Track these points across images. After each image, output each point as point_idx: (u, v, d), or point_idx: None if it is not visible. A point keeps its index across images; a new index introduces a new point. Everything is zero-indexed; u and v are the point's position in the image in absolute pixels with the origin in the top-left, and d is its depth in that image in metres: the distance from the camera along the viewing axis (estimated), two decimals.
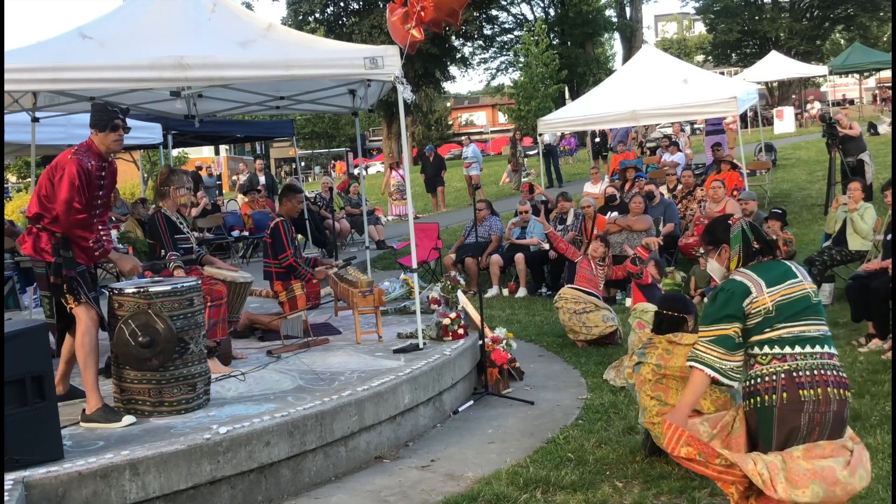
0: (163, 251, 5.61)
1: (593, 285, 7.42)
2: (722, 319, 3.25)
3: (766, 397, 3.15)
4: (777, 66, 26.65)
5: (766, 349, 3.20)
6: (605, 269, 7.70)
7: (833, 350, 3.22)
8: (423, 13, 5.93)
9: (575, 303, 7.09)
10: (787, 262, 3.36)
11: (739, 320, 3.23)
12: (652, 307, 6.40)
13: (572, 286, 7.38)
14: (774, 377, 3.15)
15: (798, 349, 3.16)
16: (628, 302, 8.17)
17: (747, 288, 3.23)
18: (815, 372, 3.11)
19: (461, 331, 5.99)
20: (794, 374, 3.12)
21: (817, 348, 3.17)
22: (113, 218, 11.43)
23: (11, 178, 34.24)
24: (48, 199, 4.37)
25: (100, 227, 4.70)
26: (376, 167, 42.38)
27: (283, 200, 6.92)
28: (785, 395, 3.11)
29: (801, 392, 3.09)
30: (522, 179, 18.37)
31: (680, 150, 15.64)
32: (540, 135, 15.73)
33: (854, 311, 6.65)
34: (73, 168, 4.30)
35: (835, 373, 3.14)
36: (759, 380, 3.19)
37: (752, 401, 3.22)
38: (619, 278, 7.94)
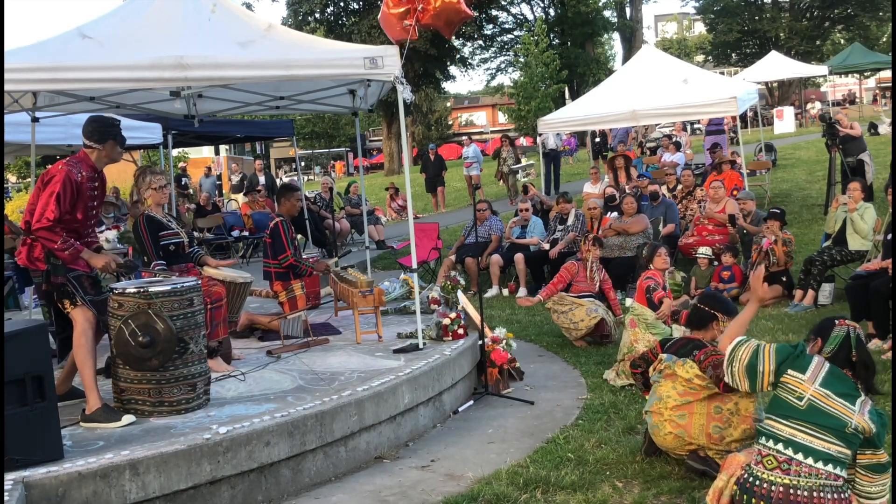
0: (145, 258, 5.54)
1: (588, 288, 7.40)
2: (776, 351, 3.30)
3: (756, 501, 3.15)
4: (777, 66, 26.62)
5: (782, 447, 3.18)
6: (601, 272, 7.65)
7: (843, 473, 3.15)
8: (421, 15, 5.94)
9: (561, 304, 7.18)
10: (862, 393, 3.26)
11: (776, 364, 3.26)
12: (649, 311, 6.40)
13: (565, 294, 7.41)
14: (773, 487, 3.14)
15: (810, 461, 3.13)
16: (629, 302, 8.16)
17: (808, 362, 3.24)
18: (815, 493, 3.09)
19: (461, 331, 5.99)
20: (792, 491, 3.10)
21: (829, 467, 3.12)
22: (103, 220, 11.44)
23: (11, 178, 34.25)
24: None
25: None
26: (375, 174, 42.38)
27: (281, 200, 6.88)
28: None
29: None
30: (522, 180, 18.31)
31: (680, 151, 15.65)
32: (540, 135, 15.71)
33: (853, 311, 6.65)
34: (60, 179, 4.42)
35: (835, 495, 3.10)
36: (756, 481, 3.19)
37: (744, 496, 3.21)
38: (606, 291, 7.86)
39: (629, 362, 5.24)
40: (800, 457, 3.14)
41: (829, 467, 3.12)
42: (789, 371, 3.26)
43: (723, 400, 4.05)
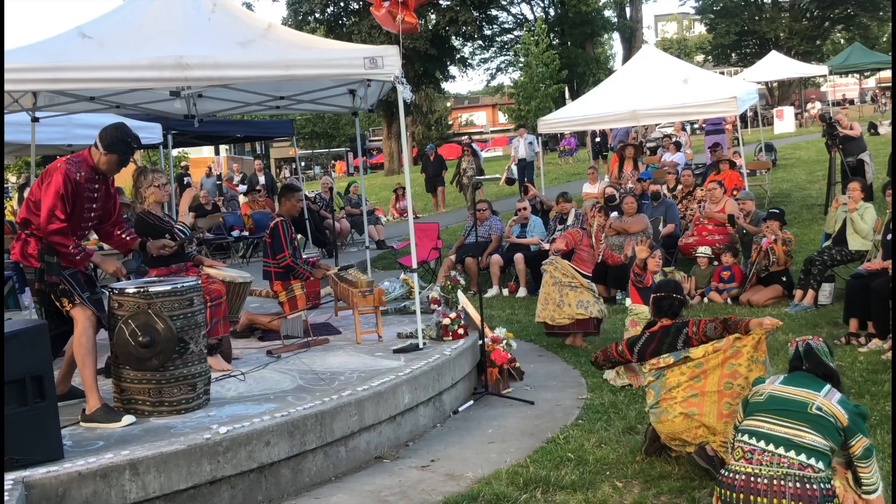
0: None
1: (590, 259, 7.30)
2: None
3: (724, 492, 3.22)
4: (777, 66, 26.65)
5: (747, 438, 3.29)
6: (603, 243, 7.55)
7: (816, 463, 3.12)
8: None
9: (563, 274, 6.96)
10: (827, 384, 3.34)
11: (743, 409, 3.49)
12: (646, 308, 6.43)
13: (570, 263, 7.23)
14: (736, 476, 3.21)
15: (771, 448, 3.17)
16: (628, 302, 8.15)
17: (765, 378, 3.53)
18: (775, 481, 3.10)
19: (461, 331, 5.99)
20: (753, 479, 3.16)
21: (791, 454, 3.13)
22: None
23: (11, 178, 34.26)
24: (36, 206, 4.41)
25: (118, 231, 4.87)
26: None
27: (282, 200, 6.89)
28: (741, 496, 3.16)
29: (752, 498, 3.14)
30: (516, 178, 18.19)
31: (680, 151, 15.65)
32: (540, 132, 15.68)
33: (847, 311, 6.65)
34: (60, 177, 4.37)
35: (798, 485, 3.08)
36: (727, 472, 3.27)
37: (718, 489, 3.30)
38: (617, 263, 7.82)
39: (590, 360, 5.19)
40: (762, 445, 3.20)
41: (792, 454, 3.13)
42: (753, 388, 3.50)
43: (732, 375, 4.07)
